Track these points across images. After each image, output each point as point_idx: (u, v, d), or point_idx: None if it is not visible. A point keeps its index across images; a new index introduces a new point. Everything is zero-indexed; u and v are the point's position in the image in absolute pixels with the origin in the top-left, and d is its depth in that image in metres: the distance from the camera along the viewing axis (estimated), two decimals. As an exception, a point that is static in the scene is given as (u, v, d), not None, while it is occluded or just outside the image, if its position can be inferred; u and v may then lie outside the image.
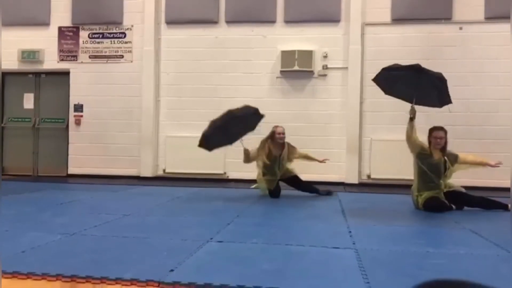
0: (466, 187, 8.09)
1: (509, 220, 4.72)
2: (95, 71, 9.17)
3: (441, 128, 5.44)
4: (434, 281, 0.64)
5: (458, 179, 8.06)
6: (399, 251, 3.36)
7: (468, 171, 8.13)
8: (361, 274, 2.71)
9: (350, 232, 4.01)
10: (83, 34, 9.22)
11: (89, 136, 9.16)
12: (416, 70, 5.17)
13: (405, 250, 3.37)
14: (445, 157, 5.40)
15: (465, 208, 5.51)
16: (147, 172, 8.85)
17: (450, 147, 8.25)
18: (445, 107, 5.54)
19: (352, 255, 3.17)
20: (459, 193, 5.50)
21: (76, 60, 9.25)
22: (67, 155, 9.27)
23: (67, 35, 9.29)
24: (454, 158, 5.48)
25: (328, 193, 6.78)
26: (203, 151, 8.68)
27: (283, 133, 6.49)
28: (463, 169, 5.59)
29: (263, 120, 6.50)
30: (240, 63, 8.78)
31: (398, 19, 8.42)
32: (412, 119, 5.35)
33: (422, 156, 5.39)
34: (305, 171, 8.26)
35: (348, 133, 8.42)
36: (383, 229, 4.27)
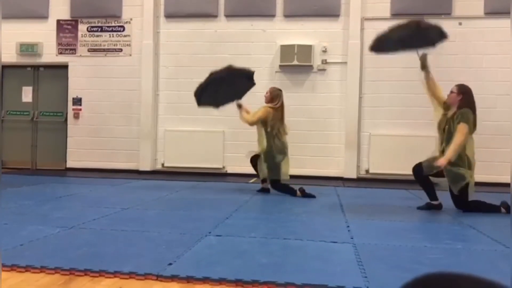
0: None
1: (508, 215, 4.74)
2: (93, 65, 9.14)
3: (457, 85, 5.08)
4: (430, 274, 0.64)
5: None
6: (397, 245, 3.37)
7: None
8: (359, 268, 2.72)
9: (348, 226, 4.02)
10: (82, 28, 9.19)
11: (88, 129, 9.15)
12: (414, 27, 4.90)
13: (403, 245, 3.38)
14: (455, 116, 4.85)
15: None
16: (146, 166, 8.85)
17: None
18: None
19: (350, 249, 3.18)
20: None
21: (75, 54, 9.22)
22: (66, 148, 9.26)
23: (66, 28, 9.25)
24: (459, 118, 4.79)
25: (305, 194, 5.90)
26: (201, 146, 8.72)
27: (267, 93, 6.17)
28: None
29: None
30: (239, 57, 8.74)
31: (397, 14, 8.39)
32: (424, 67, 5.02)
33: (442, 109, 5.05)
34: (303, 166, 8.31)
35: (347, 128, 8.42)
36: (381, 224, 4.29)
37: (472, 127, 4.84)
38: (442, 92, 5.18)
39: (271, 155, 5.98)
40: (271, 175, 6.03)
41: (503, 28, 7.83)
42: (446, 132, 4.92)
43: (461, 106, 4.90)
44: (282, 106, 6.15)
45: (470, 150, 4.87)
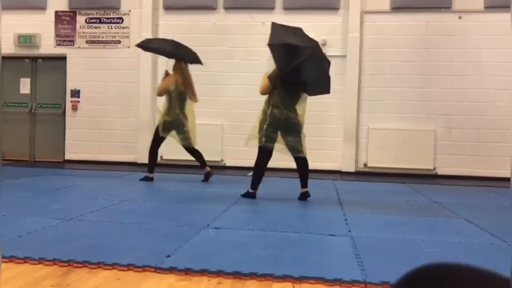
0: (462, 177, 8.20)
1: (508, 210, 4.75)
2: (92, 57, 9.11)
3: None
4: (430, 265, 0.64)
5: (449, 168, 8.11)
6: (394, 239, 3.38)
7: (471, 161, 8.16)
8: (356, 261, 2.73)
9: (346, 220, 4.04)
10: (80, 19, 9.14)
11: (86, 122, 9.13)
12: None
13: (400, 238, 3.40)
14: None
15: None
16: (144, 159, 8.79)
17: (448, 138, 8.31)
18: None
19: (348, 243, 3.19)
20: None
21: (73, 45, 9.18)
22: (64, 140, 9.25)
23: (64, 19, 9.20)
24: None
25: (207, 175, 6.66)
26: (200, 139, 8.68)
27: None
28: None
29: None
30: (238, 50, 8.73)
31: (397, 8, 8.37)
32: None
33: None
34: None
35: (345, 122, 8.41)
36: (378, 217, 4.30)
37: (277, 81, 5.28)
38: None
39: (181, 123, 6.50)
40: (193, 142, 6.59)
41: (503, 22, 7.81)
42: None
43: None
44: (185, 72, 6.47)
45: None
